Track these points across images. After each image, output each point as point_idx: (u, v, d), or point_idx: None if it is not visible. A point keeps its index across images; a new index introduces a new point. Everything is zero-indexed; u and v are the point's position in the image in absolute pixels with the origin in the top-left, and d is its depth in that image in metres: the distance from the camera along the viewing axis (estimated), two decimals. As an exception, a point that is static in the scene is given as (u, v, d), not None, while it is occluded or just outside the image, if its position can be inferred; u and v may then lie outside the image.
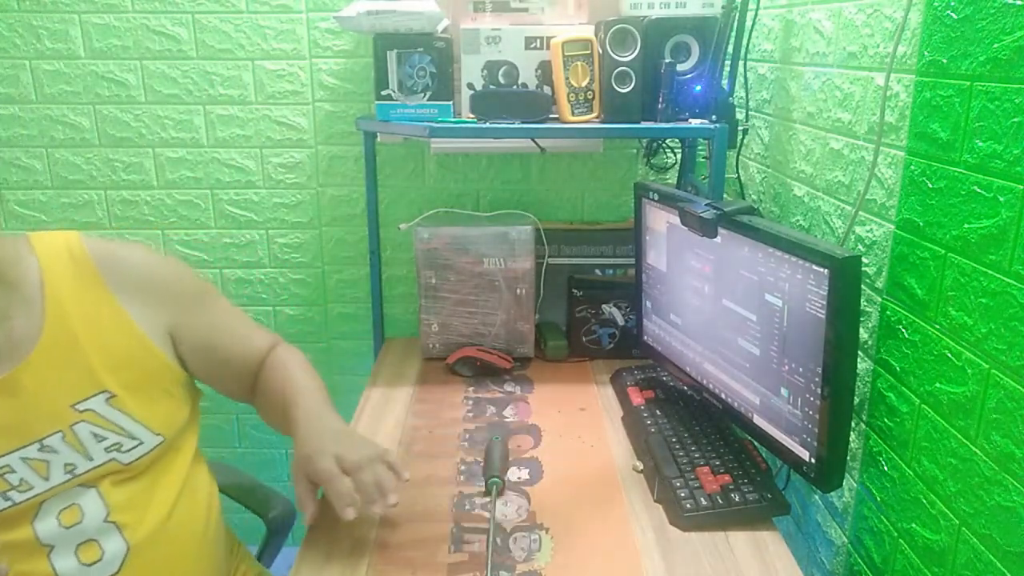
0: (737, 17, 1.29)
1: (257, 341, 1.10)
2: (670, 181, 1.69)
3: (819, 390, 0.97)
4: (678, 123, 1.34)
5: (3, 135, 1.68)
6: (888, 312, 1.01)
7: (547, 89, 1.38)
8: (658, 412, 1.30)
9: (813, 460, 1.01)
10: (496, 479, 1.12)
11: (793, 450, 1.05)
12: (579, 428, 1.32)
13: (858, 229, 1.08)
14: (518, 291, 1.55)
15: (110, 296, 0.92)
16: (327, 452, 0.92)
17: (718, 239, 1.15)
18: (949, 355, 0.88)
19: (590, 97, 1.35)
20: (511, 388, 1.48)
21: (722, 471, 1.12)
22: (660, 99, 1.33)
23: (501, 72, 1.37)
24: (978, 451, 0.83)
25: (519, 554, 0.99)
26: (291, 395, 1.02)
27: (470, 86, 1.37)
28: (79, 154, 1.69)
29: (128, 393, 0.91)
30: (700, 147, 1.61)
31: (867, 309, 1.06)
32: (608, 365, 1.57)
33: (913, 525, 0.96)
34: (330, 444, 0.94)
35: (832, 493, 1.18)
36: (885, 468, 1.02)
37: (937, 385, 0.90)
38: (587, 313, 1.60)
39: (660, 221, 1.33)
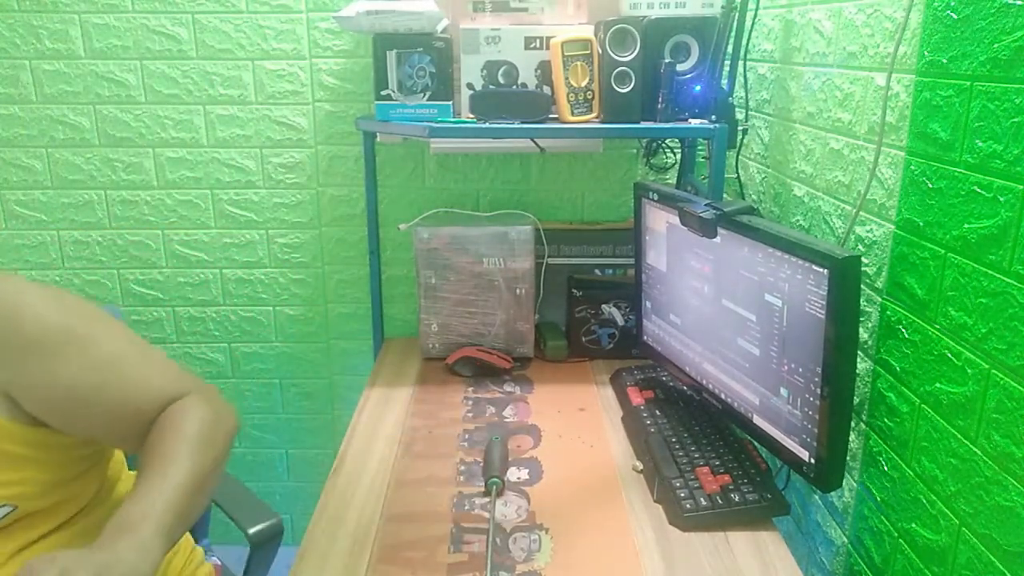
0: (737, 17, 1.29)
1: (147, 392, 0.89)
2: (670, 181, 1.69)
3: (819, 390, 0.97)
4: (678, 123, 1.34)
5: (3, 135, 1.68)
6: (888, 312, 1.01)
7: (547, 89, 1.38)
8: (658, 412, 1.30)
9: (813, 460, 1.01)
10: (496, 479, 1.12)
11: (793, 450, 1.05)
12: (579, 428, 1.32)
13: (858, 229, 1.08)
14: (518, 291, 1.55)
15: None
16: (56, 560, 0.69)
17: (718, 239, 1.15)
18: (949, 355, 0.88)
19: (590, 97, 1.35)
20: (511, 388, 1.48)
21: (722, 471, 1.12)
22: (660, 99, 1.33)
23: (501, 72, 1.37)
24: (978, 451, 0.83)
25: (519, 554, 0.99)
26: (137, 486, 0.81)
27: (470, 86, 1.37)
28: (79, 154, 1.69)
29: None
30: (700, 147, 1.61)
31: (867, 309, 1.06)
32: (608, 365, 1.57)
33: (913, 525, 0.96)
34: (67, 557, 0.70)
35: (832, 493, 1.18)
36: (885, 468, 1.02)
37: (937, 385, 0.90)
38: (587, 313, 1.60)
39: (660, 221, 1.33)
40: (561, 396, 1.45)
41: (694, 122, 1.34)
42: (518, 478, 1.17)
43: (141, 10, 1.60)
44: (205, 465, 0.84)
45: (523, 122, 1.34)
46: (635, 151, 1.70)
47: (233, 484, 1.28)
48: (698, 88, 1.34)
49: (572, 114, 1.34)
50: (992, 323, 0.80)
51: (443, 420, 1.35)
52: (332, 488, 1.14)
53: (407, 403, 1.42)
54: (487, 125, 1.35)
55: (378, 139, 1.65)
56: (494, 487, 1.11)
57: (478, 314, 1.56)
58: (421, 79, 1.38)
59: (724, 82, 1.34)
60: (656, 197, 1.32)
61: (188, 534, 1.14)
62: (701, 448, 1.18)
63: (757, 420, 1.12)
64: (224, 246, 1.76)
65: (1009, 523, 0.78)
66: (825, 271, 0.93)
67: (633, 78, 1.32)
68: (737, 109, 1.36)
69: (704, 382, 1.26)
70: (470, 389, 1.48)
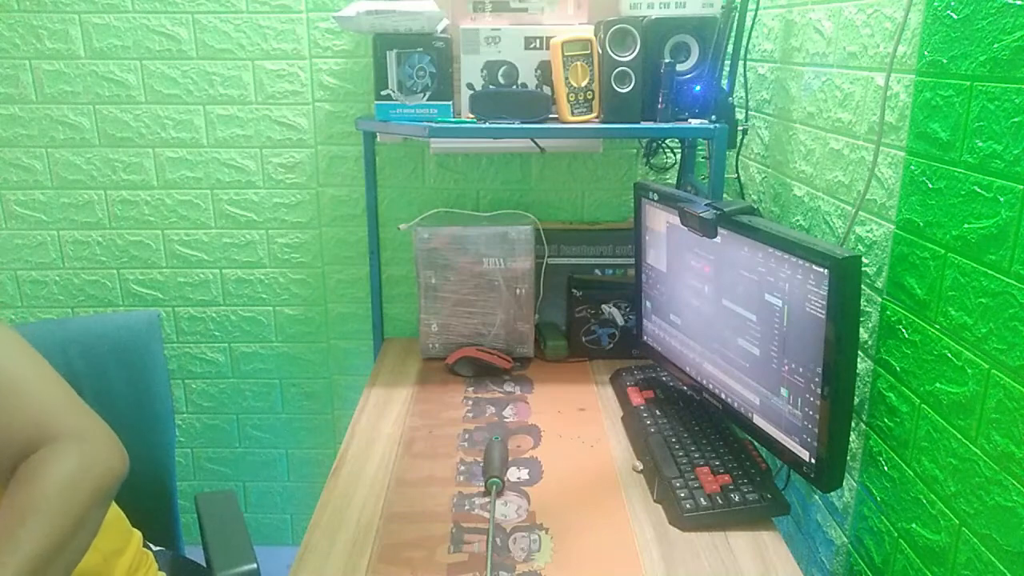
0: (737, 17, 1.29)
1: (18, 427, 0.81)
2: (670, 181, 1.69)
3: (819, 390, 0.97)
4: (678, 123, 1.34)
5: (3, 135, 1.68)
6: (888, 312, 1.01)
7: (547, 89, 1.38)
8: (658, 412, 1.30)
9: (813, 460, 1.01)
10: (496, 479, 1.12)
11: (793, 450, 1.05)
12: (579, 428, 1.32)
13: (858, 229, 1.08)
14: (518, 291, 1.55)
15: None
16: None
17: (718, 239, 1.15)
18: (949, 355, 0.88)
19: (590, 97, 1.35)
20: (511, 388, 1.48)
21: (722, 471, 1.12)
22: (660, 99, 1.33)
23: (501, 72, 1.37)
24: (978, 451, 0.83)
25: (519, 554, 0.99)
26: None
27: (470, 86, 1.37)
28: (79, 154, 1.69)
29: None
30: (700, 147, 1.61)
31: (867, 309, 1.06)
32: (608, 365, 1.57)
33: (913, 525, 0.96)
34: None
35: (832, 493, 1.18)
36: (885, 468, 1.02)
37: (937, 385, 0.90)
38: (587, 313, 1.60)
39: (660, 221, 1.33)
40: (561, 396, 1.45)
41: (694, 122, 1.34)
42: (518, 478, 1.17)
43: (141, 10, 1.60)
44: (64, 529, 0.77)
45: (523, 122, 1.34)
46: (635, 151, 1.70)
47: (229, 511, 1.25)
48: (698, 88, 1.34)
49: (572, 114, 1.34)
50: (992, 323, 0.80)
51: (443, 420, 1.35)
52: (332, 488, 1.14)
53: (407, 403, 1.42)
54: (487, 125, 1.34)
55: (378, 139, 1.65)
56: (494, 487, 1.11)
57: (478, 314, 1.56)
58: (421, 79, 1.38)
59: (724, 82, 1.34)
60: (656, 197, 1.32)
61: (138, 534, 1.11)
62: (701, 448, 1.18)
63: (757, 420, 1.12)
64: (224, 246, 1.76)
65: (1009, 523, 0.78)
66: (825, 271, 0.93)
67: (633, 78, 1.32)
68: (737, 109, 1.36)
69: (704, 382, 1.26)
70: (470, 389, 1.48)
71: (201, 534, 1.22)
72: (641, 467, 1.19)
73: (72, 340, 1.32)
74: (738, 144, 1.43)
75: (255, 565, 1.13)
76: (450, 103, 1.39)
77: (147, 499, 1.35)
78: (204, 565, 1.21)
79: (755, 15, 1.36)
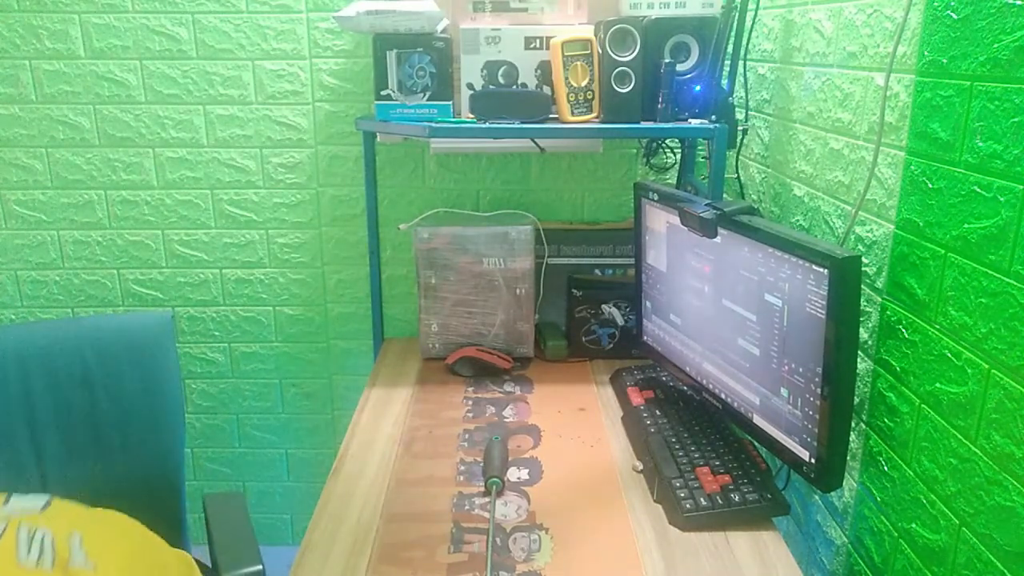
0: (737, 17, 1.29)
1: None
2: (670, 181, 1.70)
3: (819, 390, 0.97)
4: (678, 123, 1.34)
5: (3, 135, 1.68)
6: (888, 312, 1.01)
7: (547, 89, 1.38)
8: (658, 412, 1.30)
9: (813, 460, 1.01)
10: (496, 479, 1.12)
11: (793, 450, 1.05)
12: (579, 428, 1.32)
13: (858, 229, 1.08)
14: (518, 291, 1.55)
15: None
16: None
17: (718, 239, 1.15)
18: (949, 355, 0.88)
19: (590, 97, 1.35)
20: (511, 388, 1.48)
21: (722, 471, 1.12)
22: (660, 99, 1.33)
23: (501, 72, 1.37)
24: (978, 451, 0.83)
25: (519, 554, 0.99)
26: None
27: (470, 86, 1.37)
28: (79, 154, 1.69)
29: None
30: (700, 147, 1.61)
31: (867, 309, 1.06)
32: (608, 365, 1.57)
33: (913, 525, 0.96)
34: None
35: (832, 493, 1.18)
36: (885, 468, 1.02)
37: (937, 385, 0.90)
38: (587, 313, 1.60)
39: (660, 221, 1.33)
40: (561, 396, 1.45)
41: (694, 122, 1.34)
42: (518, 478, 1.17)
43: (141, 10, 1.60)
44: None
45: (523, 122, 1.34)
46: (635, 151, 1.70)
47: (236, 513, 1.26)
48: (698, 88, 1.34)
49: (572, 114, 1.34)
50: (992, 323, 0.80)
51: (443, 420, 1.35)
52: (332, 488, 1.14)
53: (407, 403, 1.42)
54: (487, 125, 1.34)
55: (378, 139, 1.65)
56: (494, 487, 1.11)
57: (478, 314, 1.56)
58: (421, 79, 1.38)
59: (724, 82, 1.34)
60: (656, 197, 1.32)
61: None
62: (701, 448, 1.18)
63: (757, 420, 1.12)
64: (224, 246, 1.76)
65: (1009, 523, 0.78)
66: (825, 271, 0.93)
67: (633, 78, 1.32)
68: (737, 109, 1.36)
69: (704, 382, 1.26)
70: (470, 389, 1.48)
71: (208, 534, 1.22)
72: (641, 467, 1.19)
73: (86, 338, 1.34)
74: (738, 144, 1.43)
75: (261, 567, 1.13)
76: (450, 103, 1.39)
77: (155, 499, 1.36)
78: (209, 565, 1.21)
79: (755, 15, 1.36)
